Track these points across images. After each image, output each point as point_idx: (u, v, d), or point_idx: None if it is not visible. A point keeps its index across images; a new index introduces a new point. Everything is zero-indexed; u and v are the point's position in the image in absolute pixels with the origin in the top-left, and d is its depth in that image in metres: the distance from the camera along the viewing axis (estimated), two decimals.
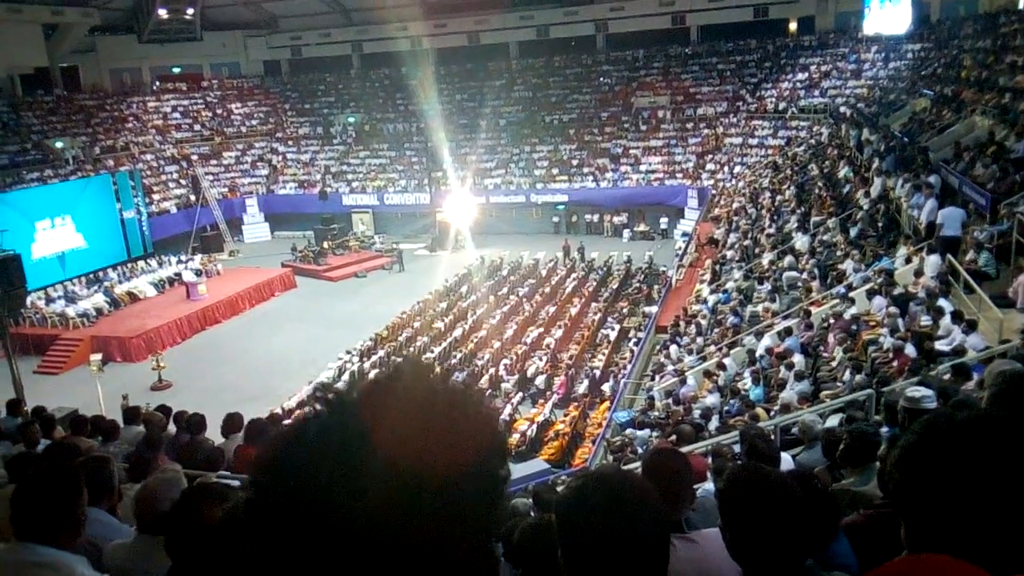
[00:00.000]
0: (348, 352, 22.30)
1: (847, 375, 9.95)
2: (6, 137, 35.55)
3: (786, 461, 4.64)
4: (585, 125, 40.56)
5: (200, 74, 46.88)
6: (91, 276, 30.23)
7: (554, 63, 44.88)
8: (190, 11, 41.80)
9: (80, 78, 43.56)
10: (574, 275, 29.25)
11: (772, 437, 6.16)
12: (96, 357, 19.88)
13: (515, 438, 16.38)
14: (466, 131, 41.35)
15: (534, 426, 16.79)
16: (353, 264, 33.86)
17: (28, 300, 23.37)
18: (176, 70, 46.41)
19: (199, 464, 5.99)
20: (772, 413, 9.82)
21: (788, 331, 12.51)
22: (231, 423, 7.15)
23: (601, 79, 43.08)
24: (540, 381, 19.64)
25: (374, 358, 21.63)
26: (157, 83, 45.44)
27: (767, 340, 13.01)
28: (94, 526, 2.93)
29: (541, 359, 21.05)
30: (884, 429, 4.61)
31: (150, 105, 43.47)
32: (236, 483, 4.57)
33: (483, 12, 43.69)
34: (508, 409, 17.78)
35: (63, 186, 32.32)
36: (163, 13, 40.59)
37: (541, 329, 23.45)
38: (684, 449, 6.41)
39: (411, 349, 22.11)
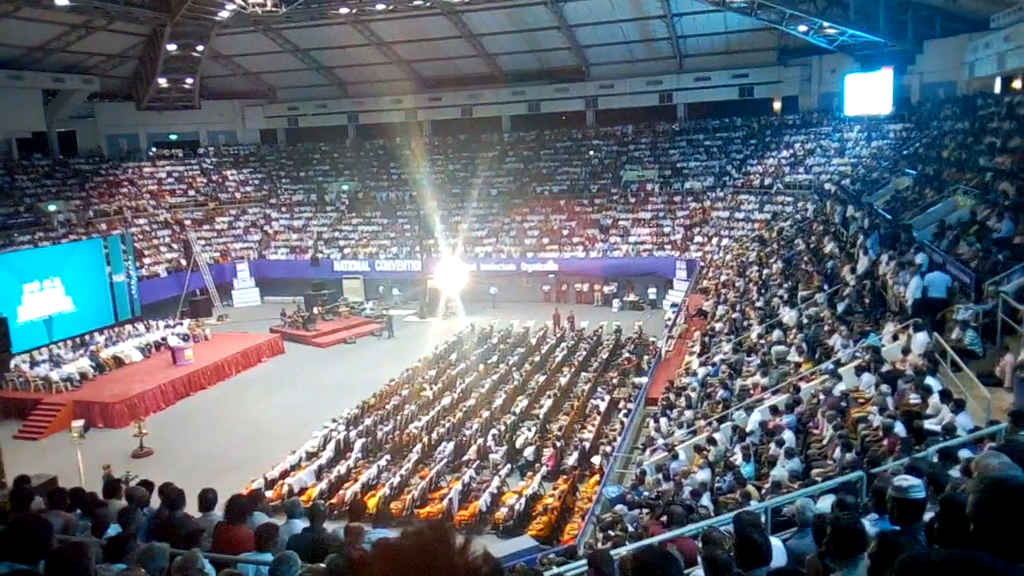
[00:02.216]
0: (334, 420, 22.02)
1: (837, 453, 9.87)
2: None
3: (778, 548, 4.57)
4: (575, 196, 41.23)
5: (197, 141, 47.64)
6: (77, 339, 29.94)
7: (545, 136, 45.97)
8: (189, 81, 42.67)
9: (77, 143, 44.17)
10: (564, 344, 29.24)
11: (764, 519, 6.08)
12: (77, 423, 19.50)
13: (503, 512, 16.10)
14: (458, 200, 41.95)
15: (522, 500, 16.50)
16: (342, 330, 33.75)
17: (12, 363, 23.19)
18: (173, 137, 47.18)
19: (178, 541, 5.84)
20: (763, 491, 9.72)
21: (789, 407, 12.40)
22: (205, 499, 7.05)
23: (591, 152, 44.03)
24: (529, 452, 19.39)
25: (360, 427, 21.39)
26: (154, 149, 46.09)
27: (757, 415, 12.94)
28: None
29: (530, 430, 20.84)
30: (874, 516, 4.56)
31: (145, 170, 43.98)
32: (210, 567, 4.47)
33: (476, 87, 44.98)
34: (496, 482, 17.51)
35: (53, 249, 32.34)
36: (163, 82, 41.41)
37: (530, 398, 23.30)
38: (674, 533, 6.32)
39: (399, 418, 21.86)
